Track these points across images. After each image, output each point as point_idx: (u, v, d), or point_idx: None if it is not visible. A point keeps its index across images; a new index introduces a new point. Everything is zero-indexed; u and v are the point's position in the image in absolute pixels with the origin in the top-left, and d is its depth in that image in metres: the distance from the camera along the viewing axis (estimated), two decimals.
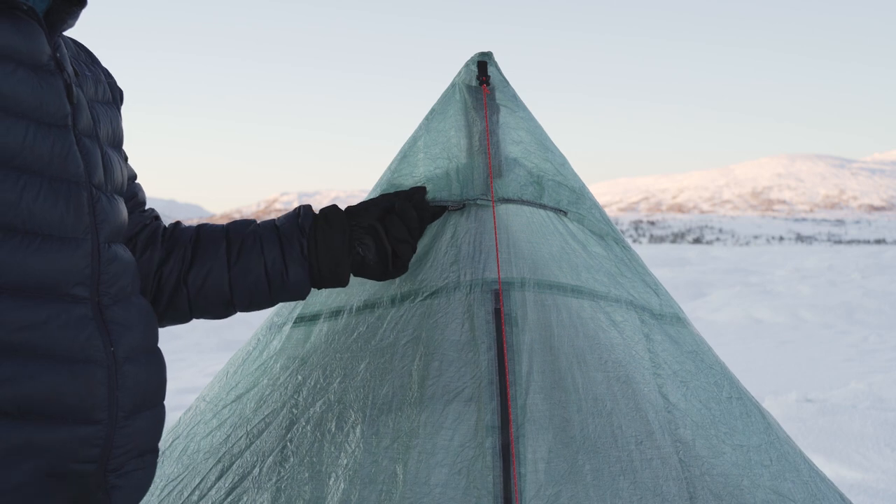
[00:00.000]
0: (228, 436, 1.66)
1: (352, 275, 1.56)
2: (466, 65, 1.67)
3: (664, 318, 1.69)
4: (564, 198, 1.68)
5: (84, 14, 1.27)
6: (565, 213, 1.68)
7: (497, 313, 1.56)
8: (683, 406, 1.59)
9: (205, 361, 8.84)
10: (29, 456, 1.10)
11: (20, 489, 1.10)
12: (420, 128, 1.70)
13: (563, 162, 1.71)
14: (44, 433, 1.11)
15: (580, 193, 1.70)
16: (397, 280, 1.64)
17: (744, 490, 1.55)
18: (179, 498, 1.62)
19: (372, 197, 1.67)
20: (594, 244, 1.70)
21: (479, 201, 1.61)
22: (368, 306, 1.64)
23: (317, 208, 1.59)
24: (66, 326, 1.13)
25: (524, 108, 1.70)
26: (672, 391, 1.60)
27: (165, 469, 1.69)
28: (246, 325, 10.78)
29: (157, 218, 1.54)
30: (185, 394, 6.54)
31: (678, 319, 1.71)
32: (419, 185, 1.65)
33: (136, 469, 1.22)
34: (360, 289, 1.67)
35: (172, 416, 1.85)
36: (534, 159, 1.67)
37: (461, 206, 1.63)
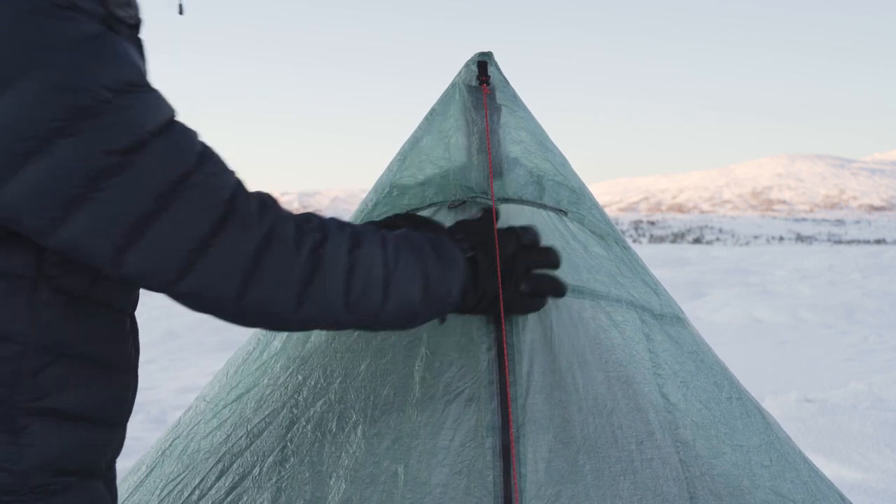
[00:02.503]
0: (229, 435, 1.66)
1: None
2: (466, 65, 1.67)
3: (664, 318, 1.69)
4: (564, 198, 1.68)
5: None
6: (566, 214, 1.68)
7: (496, 314, 1.56)
8: (684, 406, 1.59)
9: (205, 361, 8.84)
10: (87, 457, 1.16)
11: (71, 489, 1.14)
12: (420, 128, 1.71)
13: (564, 162, 1.71)
14: (103, 435, 1.17)
15: (580, 193, 1.70)
16: None
17: (744, 490, 1.55)
18: (179, 497, 1.62)
19: (373, 197, 1.66)
20: (594, 244, 1.70)
21: (478, 199, 1.61)
22: None
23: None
24: (124, 339, 1.20)
25: (524, 108, 1.70)
26: (672, 391, 1.60)
27: (166, 468, 1.70)
28: None
29: None
30: (185, 393, 6.53)
31: (678, 320, 1.71)
32: (419, 185, 1.65)
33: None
34: None
35: (173, 416, 1.85)
36: (534, 159, 1.67)
37: (461, 203, 1.62)
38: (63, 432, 1.10)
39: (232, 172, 1.12)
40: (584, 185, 1.72)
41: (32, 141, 0.97)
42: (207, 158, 1.09)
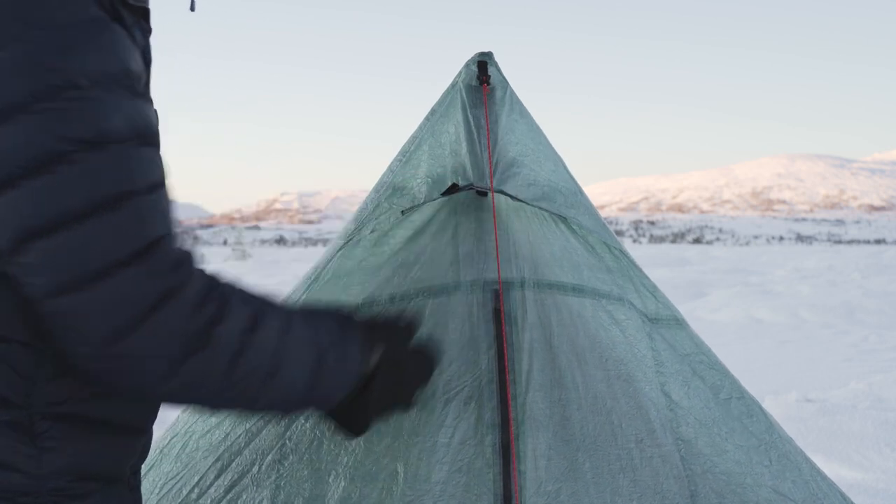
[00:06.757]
0: (227, 434, 1.66)
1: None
2: (467, 65, 1.67)
3: (660, 321, 1.70)
4: (559, 202, 1.68)
5: None
6: (565, 219, 1.68)
7: (497, 313, 1.56)
8: (686, 404, 1.60)
9: None
10: (113, 462, 1.12)
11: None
12: (421, 128, 1.70)
13: (558, 166, 1.70)
14: (126, 440, 1.14)
15: (574, 198, 1.70)
16: (395, 279, 1.64)
17: (746, 488, 1.55)
18: (178, 496, 1.62)
19: (374, 198, 1.66)
20: (591, 246, 1.70)
21: (475, 186, 1.59)
22: (367, 305, 1.64)
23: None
24: None
25: (523, 109, 1.70)
26: (675, 389, 1.60)
27: (164, 467, 1.69)
28: None
29: None
30: None
31: (676, 322, 1.71)
32: (420, 185, 1.64)
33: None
34: (358, 288, 1.67)
35: (171, 416, 1.85)
36: (530, 161, 1.67)
37: (456, 190, 1.60)
38: (85, 437, 1.07)
39: (172, 220, 1.05)
40: (579, 188, 1.71)
41: None
42: (160, 193, 1.03)
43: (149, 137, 1.03)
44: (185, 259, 1.05)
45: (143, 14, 1.14)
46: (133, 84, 1.02)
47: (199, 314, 1.02)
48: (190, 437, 1.71)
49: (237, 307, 1.08)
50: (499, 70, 1.68)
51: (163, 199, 1.04)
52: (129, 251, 0.98)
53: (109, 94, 0.98)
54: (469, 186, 1.59)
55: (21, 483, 1.03)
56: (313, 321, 1.21)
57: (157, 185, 1.03)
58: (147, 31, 1.14)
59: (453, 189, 1.59)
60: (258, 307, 1.12)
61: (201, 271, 1.07)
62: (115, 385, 1.03)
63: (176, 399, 1.09)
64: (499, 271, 1.57)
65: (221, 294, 1.07)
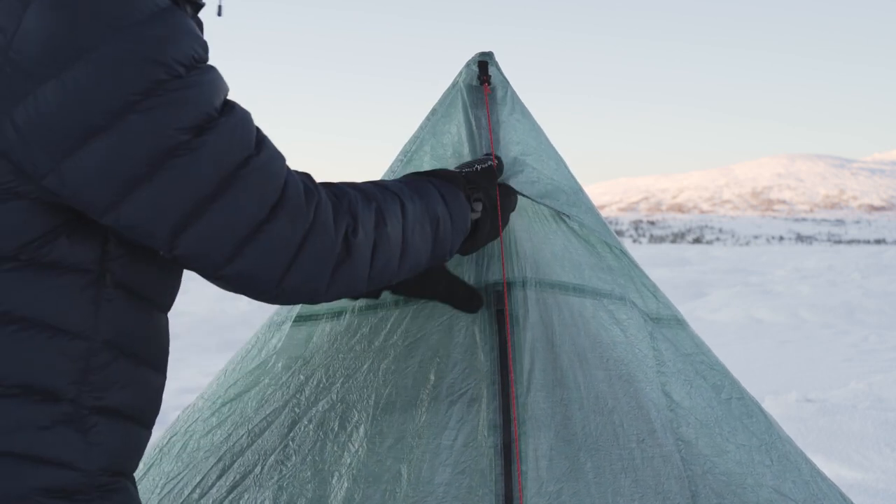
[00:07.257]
0: (229, 434, 1.66)
1: None
2: (467, 65, 1.67)
3: (661, 321, 1.70)
4: (562, 200, 1.68)
5: None
6: (568, 217, 1.68)
7: (500, 314, 1.57)
8: (687, 404, 1.60)
9: (205, 361, 8.83)
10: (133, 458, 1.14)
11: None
12: (422, 128, 1.70)
13: (560, 164, 1.70)
14: (143, 435, 1.15)
15: (576, 197, 1.70)
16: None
17: (746, 489, 1.55)
18: (180, 496, 1.62)
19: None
20: (593, 245, 1.71)
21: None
22: (371, 307, 1.65)
23: None
24: (168, 339, 1.19)
25: (524, 109, 1.70)
26: (676, 389, 1.61)
27: (164, 467, 1.69)
28: (246, 325, 10.77)
29: None
30: (185, 394, 6.53)
31: (678, 321, 1.72)
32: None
33: None
34: None
35: (173, 417, 1.85)
36: (532, 160, 1.67)
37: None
38: (121, 431, 1.09)
39: (282, 156, 1.12)
40: (580, 188, 1.71)
41: (105, 115, 0.95)
42: (264, 142, 1.09)
43: (230, 98, 1.08)
44: (310, 186, 1.14)
45: (199, 7, 1.16)
46: (208, 57, 1.05)
47: (337, 233, 1.15)
48: (190, 436, 1.71)
49: (363, 212, 1.20)
50: (499, 70, 1.68)
51: (269, 145, 1.11)
52: (267, 208, 1.07)
53: (202, 74, 1.02)
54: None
55: (76, 480, 1.04)
56: (421, 194, 1.34)
57: (260, 136, 1.09)
58: (200, 25, 1.16)
59: None
60: (377, 202, 1.24)
61: (322, 189, 1.16)
62: (296, 303, 1.21)
63: (341, 296, 1.22)
64: (503, 273, 1.58)
65: (349, 205, 1.18)
